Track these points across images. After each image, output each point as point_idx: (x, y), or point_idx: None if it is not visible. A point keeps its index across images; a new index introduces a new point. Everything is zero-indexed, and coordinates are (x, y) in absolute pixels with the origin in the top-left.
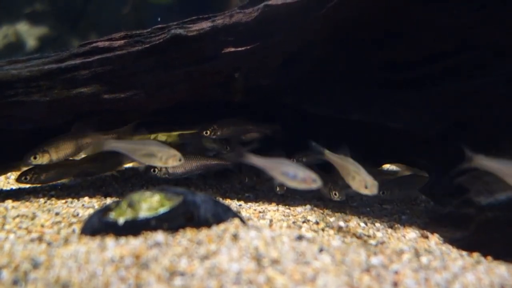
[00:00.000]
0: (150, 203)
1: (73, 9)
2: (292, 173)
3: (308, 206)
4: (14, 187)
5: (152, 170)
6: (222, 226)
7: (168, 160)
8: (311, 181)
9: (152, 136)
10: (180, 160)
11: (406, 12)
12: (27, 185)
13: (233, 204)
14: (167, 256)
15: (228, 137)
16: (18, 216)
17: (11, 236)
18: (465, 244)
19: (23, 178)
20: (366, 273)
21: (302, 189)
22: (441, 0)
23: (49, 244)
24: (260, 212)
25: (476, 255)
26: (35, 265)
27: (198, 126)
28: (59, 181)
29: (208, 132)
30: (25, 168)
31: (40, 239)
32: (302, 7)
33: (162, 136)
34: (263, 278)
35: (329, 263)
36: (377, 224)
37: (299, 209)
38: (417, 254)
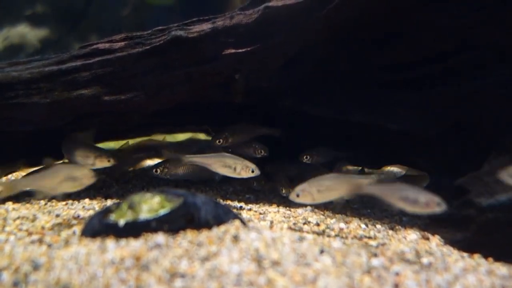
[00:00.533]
0: (151, 205)
1: (74, 11)
2: (413, 198)
3: (308, 208)
4: None
5: (154, 170)
6: (222, 227)
7: (242, 171)
8: (435, 204)
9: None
10: (253, 171)
11: (406, 12)
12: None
13: (234, 205)
14: (167, 257)
15: (239, 143)
16: (18, 218)
17: (12, 238)
18: (466, 245)
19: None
20: (367, 274)
21: (424, 214)
22: (441, 0)
23: (49, 245)
24: (260, 213)
25: (477, 256)
26: (36, 267)
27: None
28: None
29: (221, 141)
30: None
31: (40, 241)
32: (302, 8)
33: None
34: (264, 280)
35: (329, 264)
36: (378, 226)
37: (299, 210)
38: (418, 256)
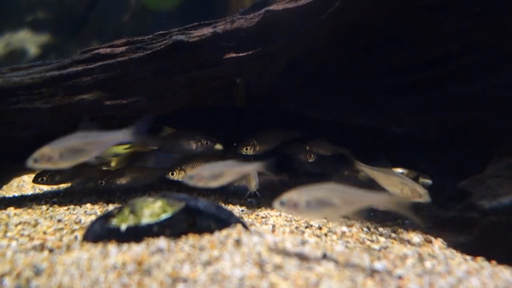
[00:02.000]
0: (152, 209)
1: (75, 17)
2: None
3: None
4: (16, 195)
5: (170, 173)
6: (224, 231)
7: (409, 192)
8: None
9: None
10: (420, 197)
11: (407, 16)
12: (28, 192)
13: (236, 209)
14: (169, 262)
15: (268, 149)
16: (20, 223)
17: (13, 243)
18: (469, 248)
19: (39, 179)
20: (370, 278)
21: None
22: (443, 4)
23: (51, 251)
24: (262, 217)
25: (480, 259)
26: (37, 272)
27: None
28: (60, 187)
29: (248, 148)
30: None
31: (42, 246)
32: (303, 12)
33: None
34: (266, 284)
35: (332, 268)
36: (380, 229)
37: None
38: (421, 259)
